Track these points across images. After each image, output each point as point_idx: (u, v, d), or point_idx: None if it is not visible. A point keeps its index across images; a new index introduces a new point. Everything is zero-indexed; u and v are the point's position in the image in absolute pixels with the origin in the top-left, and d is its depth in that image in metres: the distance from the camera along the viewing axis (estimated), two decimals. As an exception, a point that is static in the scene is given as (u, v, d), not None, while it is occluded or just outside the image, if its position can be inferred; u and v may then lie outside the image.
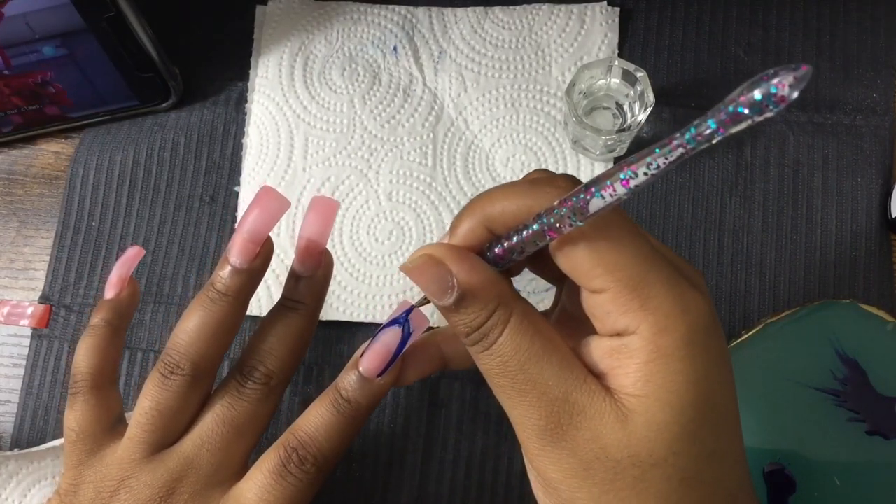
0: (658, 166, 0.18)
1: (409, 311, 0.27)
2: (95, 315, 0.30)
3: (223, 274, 0.27)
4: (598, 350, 0.22)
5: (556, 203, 0.20)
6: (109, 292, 0.31)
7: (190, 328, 0.27)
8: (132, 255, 0.31)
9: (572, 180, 0.22)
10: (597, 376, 0.21)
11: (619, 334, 0.21)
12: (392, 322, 0.27)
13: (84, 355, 0.29)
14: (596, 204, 0.19)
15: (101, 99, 0.42)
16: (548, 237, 0.21)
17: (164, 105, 0.43)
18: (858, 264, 0.38)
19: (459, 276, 0.22)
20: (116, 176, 0.43)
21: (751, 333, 0.36)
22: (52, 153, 0.44)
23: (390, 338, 0.27)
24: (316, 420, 0.27)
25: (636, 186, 0.18)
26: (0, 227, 0.43)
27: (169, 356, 0.27)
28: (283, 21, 0.44)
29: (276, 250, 0.40)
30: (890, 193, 0.39)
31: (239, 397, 0.28)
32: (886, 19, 0.41)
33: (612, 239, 0.21)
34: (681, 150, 0.17)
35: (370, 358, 0.27)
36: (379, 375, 0.27)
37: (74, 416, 0.28)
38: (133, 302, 0.31)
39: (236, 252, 0.27)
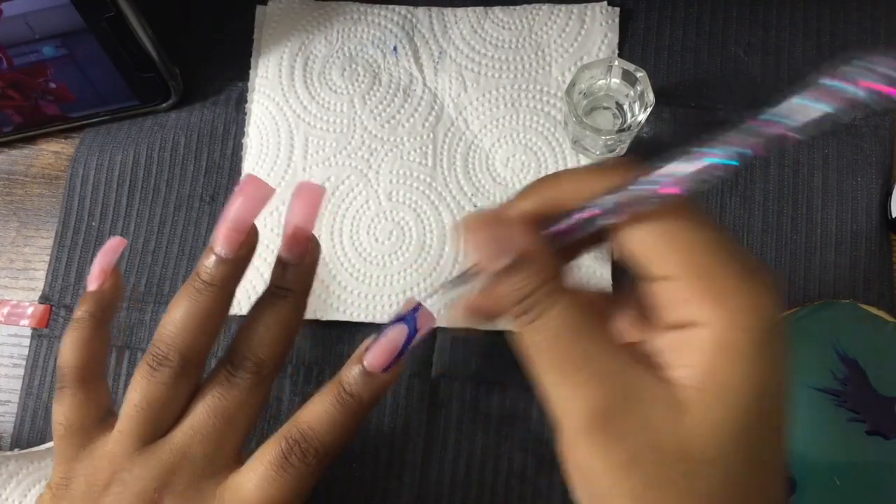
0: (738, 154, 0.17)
1: (416, 310, 0.27)
2: (79, 308, 0.30)
3: (208, 263, 0.27)
4: (661, 341, 0.21)
5: (626, 182, 0.20)
6: (92, 284, 0.30)
7: (176, 319, 0.27)
8: (114, 245, 0.31)
9: (642, 165, 0.22)
10: (653, 369, 0.21)
11: (682, 326, 0.20)
12: (399, 319, 0.27)
13: (69, 349, 0.29)
14: (668, 182, 0.19)
15: (101, 99, 0.42)
16: (616, 216, 0.20)
17: (164, 105, 0.43)
18: (858, 264, 0.38)
19: (520, 238, 0.21)
20: (116, 176, 0.43)
21: (751, 333, 0.36)
22: (52, 153, 0.44)
23: (397, 334, 0.27)
24: (318, 413, 0.27)
25: (713, 170, 0.18)
26: (0, 227, 0.43)
27: (156, 348, 0.27)
28: (283, 21, 0.44)
29: (267, 242, 0.40)
30: (890, 193, 0.39)
31: (230, 387, 0.27)
32: (886, 19, 0.41)
33: (687, 224, 0.20)
34: (779, 131, 0.16)
35: (375, 353, 0.27)
36: (383, 371, 0.27)
37: (62, 409, 0.28)
38: (117, 293, 0.31)
39: (221, 241, 0.27)
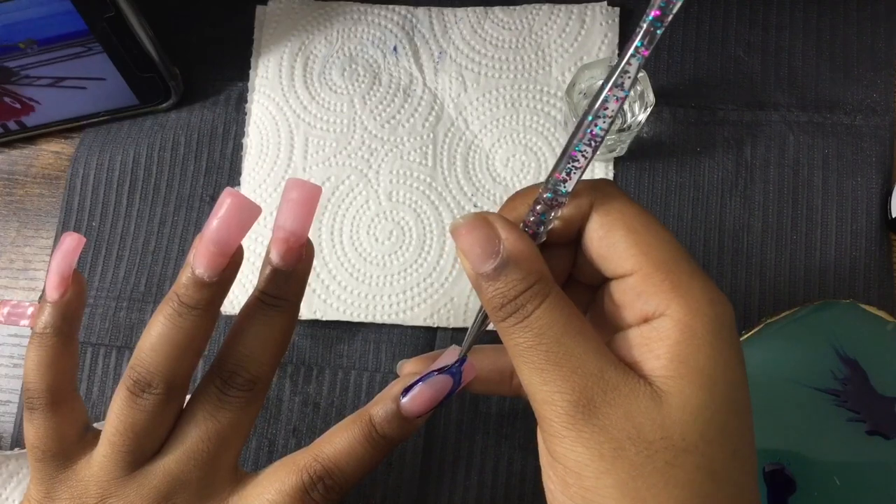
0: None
1: (462, 362, 0.26)
2: (40, 319, 0.27)
3: (188, 284, 0.25)
4: (628, 339, 0.22)
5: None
6: (53, 294, 0.27)
7: (158, 344, 0.25)
8: (72, 246, 0.27)
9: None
10: (628, 366, 0.21)
11: (647, 320, 0.21)
12: (444, 369, 0.26)
13: (36, 370, 0.26)
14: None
15: (101, 99, 0.42)
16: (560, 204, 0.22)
17: (164, 105, 0.43)
18: (858, 264, 0.38)
19: (507, 241, 0.21)
20: (116, 176, 0.43)
21: (751, 333, 0.36)
22: (52, 153, 0.44)
23: (442, 385, 0.26)
24: (345, 449, 0.26)
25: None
26: (0, 227, 0.43)
27: (137, 372, 0.25)
28: (283, 21, 0.44)
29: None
30: (890, 193, 0.39)
31: (221, 406, 0.26)
32: (886, 19, 0.41)
33: (647, 225, 0.21)
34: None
35: (417, 401, 0.26)
36: (417, 417, 0.27)
37: (38, 434, 0.26)
38: (81, 301, 0.27)
39: (203, 263, 0.24)
